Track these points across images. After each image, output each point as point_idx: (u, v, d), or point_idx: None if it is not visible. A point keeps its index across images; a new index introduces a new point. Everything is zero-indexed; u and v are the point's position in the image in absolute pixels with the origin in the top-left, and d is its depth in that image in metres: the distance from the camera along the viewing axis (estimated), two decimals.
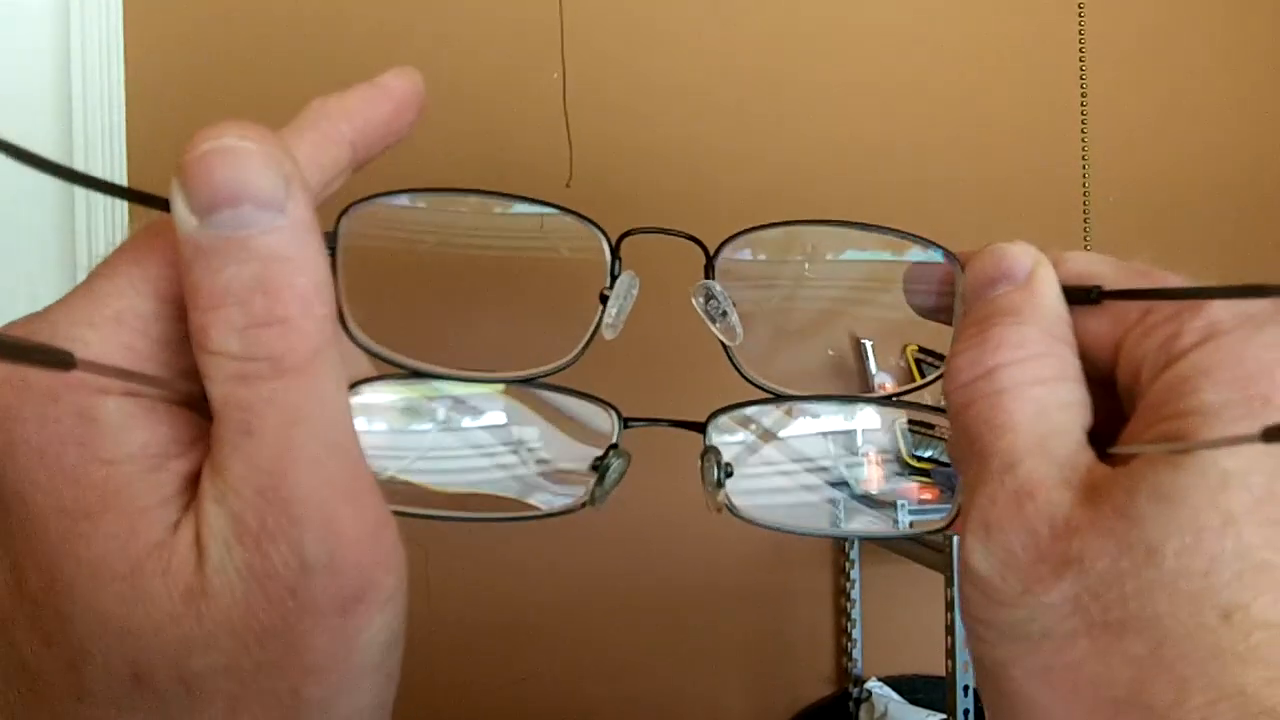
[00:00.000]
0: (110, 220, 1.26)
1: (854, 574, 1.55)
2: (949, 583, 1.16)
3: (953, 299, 0.26)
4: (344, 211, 0.25)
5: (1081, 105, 1.67)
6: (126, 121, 1.30)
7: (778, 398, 0.29)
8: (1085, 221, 1.65)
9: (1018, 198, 1.62)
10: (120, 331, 0.19)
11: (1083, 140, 1.67)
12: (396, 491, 0.27)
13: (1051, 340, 0.22)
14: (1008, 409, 0.21)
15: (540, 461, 0.30)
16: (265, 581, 0.18)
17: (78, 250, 1.25)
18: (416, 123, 0.24)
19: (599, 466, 0.28)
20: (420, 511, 0.27)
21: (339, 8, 1.39)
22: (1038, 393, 0.21)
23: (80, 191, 1.25)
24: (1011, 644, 0.20)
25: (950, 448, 0.26)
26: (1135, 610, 0.18)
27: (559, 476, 0.30)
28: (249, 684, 0.18)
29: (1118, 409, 0.22)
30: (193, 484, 0.19)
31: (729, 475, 0.28)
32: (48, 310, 0.19)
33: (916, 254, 0.28)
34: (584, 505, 0.29)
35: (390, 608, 0.20)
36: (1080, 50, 1.66)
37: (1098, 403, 0.22)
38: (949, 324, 0.26)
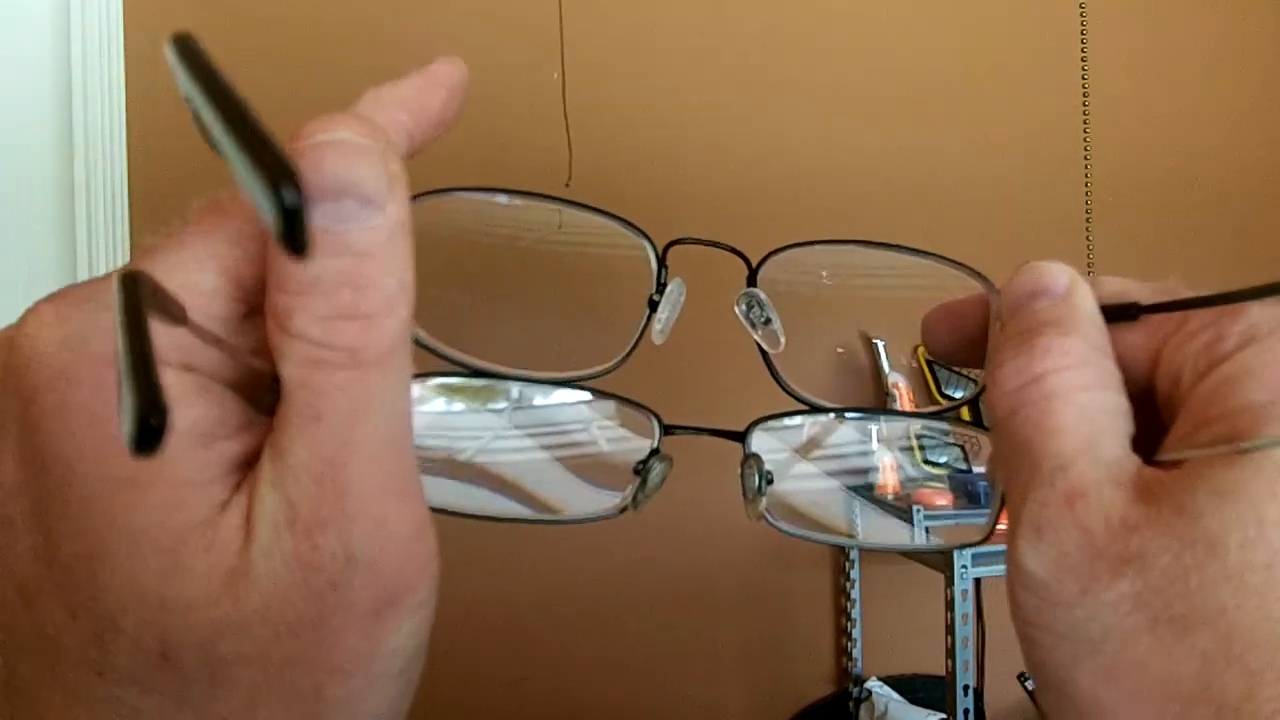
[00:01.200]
0: (110, 223, 1.25)
1: (854, 574, 1.55)
2: (949, 582, 1.16)
3: (970, 340, 0.27)
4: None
5: (1083, 104, 1.68)
6: (126, 121, 1.29)
7: (818, 410, 0.29)
8: (1088, 222, 1.66)
9: (1021, 197, 1.63)
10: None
11: (1085, 140, 1.68)
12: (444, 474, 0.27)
13: (1093, 350, 0.22)
14: (1057, 413, 0.21)
15: (579, 464, 0.30)
16: (309, 572, 0.18)
17: (78, 251, 1.24)
18: (462, 113, 0.24)
19: (640, 471, 0.29)
20: (461, 510, 0.27)
21: (338, 8, 1.39)
22: (1084, 398, 0.21)
23: (81, 192, 1.24)
24: (1072, 646, 0.19)
25: (991, 458, 0.26)
26: (1200, 604, 0.18)
27: (597, 479, 0.30)
28: (273, 677, 0.18)
29: (1156, 421, 0.22)
30: (239, 468, 0.19)
31: (769, 483, 0.28)
32: (109, 277, 0.19)
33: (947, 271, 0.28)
34: (624, 510, 0.29)
35: (420, 613, 0.20)
36: (1083, 49, 1.67)
37: (1136, 415, 0.22)
38: (967, 364, 0.27)
